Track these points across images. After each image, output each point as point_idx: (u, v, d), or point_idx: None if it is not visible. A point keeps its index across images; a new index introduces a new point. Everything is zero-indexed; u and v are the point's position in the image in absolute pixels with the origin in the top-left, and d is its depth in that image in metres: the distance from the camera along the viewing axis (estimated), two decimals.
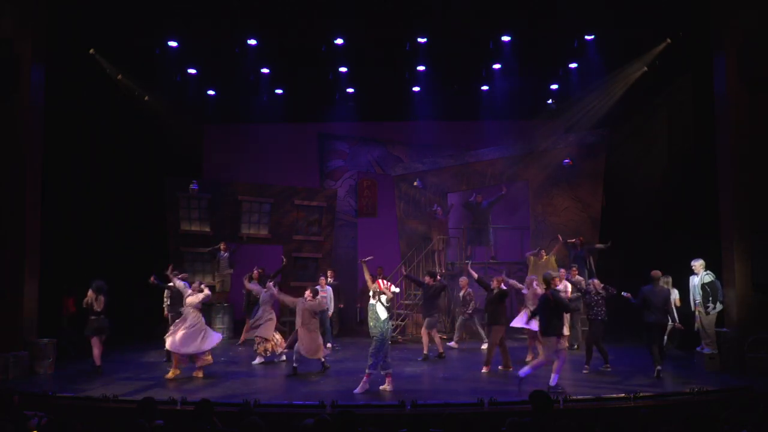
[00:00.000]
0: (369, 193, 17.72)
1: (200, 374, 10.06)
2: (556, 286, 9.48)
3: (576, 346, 12.24)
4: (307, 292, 10.65)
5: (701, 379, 9.34)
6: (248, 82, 14.16)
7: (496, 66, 13.49)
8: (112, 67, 13.16)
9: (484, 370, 10.37)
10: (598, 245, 13.20)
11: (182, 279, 10.91)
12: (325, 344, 12.59)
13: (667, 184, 14.19)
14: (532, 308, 11.39)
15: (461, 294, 12.91)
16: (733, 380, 9.29)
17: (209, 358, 10.26)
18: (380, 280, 9.18)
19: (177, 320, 10.31)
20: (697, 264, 10.49)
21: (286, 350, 11.28)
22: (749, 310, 10.09)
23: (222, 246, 14.35)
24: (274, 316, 11.49)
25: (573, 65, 13.53)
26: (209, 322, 13.59)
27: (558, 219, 14.25)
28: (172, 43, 12.41)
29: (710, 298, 10.29)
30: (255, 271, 12.37)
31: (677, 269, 11.15)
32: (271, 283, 11.66)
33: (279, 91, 15.12)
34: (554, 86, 14.69)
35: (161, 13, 11.56)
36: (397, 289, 9.48)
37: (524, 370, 9.00)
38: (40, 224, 10.89)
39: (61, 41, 11.52)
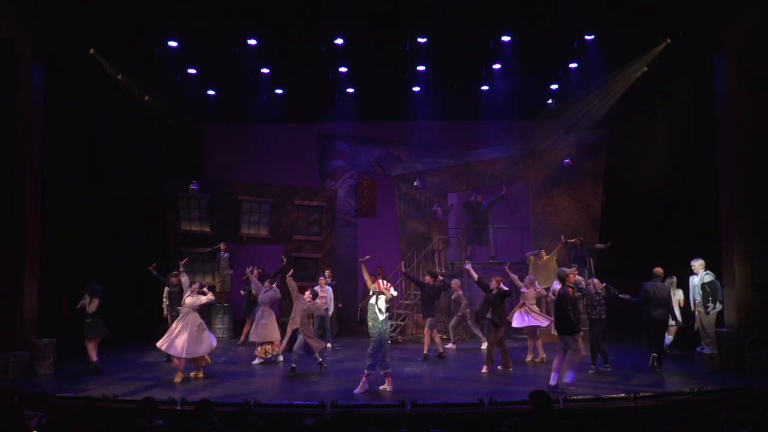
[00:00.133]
0: (369, 193, 17.72)
1: (200, 374, 10.06)
2: (572, 282, 9.36)
3: None
4: (307, 293, 10.66)
5: (701, 379, 9.34)
6: (248, 82, 14.16)
7: (496, 66, 13.49)
8: (112, 67, 13.16)
9: (484, 369, 10.37)
10: (598, 245, 13.20)
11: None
12: (325, 344, 12.64)
13: (667, 184, 14.18)
14: (531, 307, 11.47)
15: (453, 296, 12.90)
16: (733, 380, 9.29)
17: (208, 358, 10.28)
18: (380, 281, 9.17)
19: (176, 320, 10.28)
20: (697, 264, 10.49)
21: (284, 353, 11.29)
22: (749, 310, 10.09)
23: (222, 246, 14.35)
24: (273, 316, 11.49)
25: (573, 65, 13.53)
26: (209, 323, 13.62)
27: (558, 219, 14.24)
28: (172, 43, 12.41)
29: (710, 298, 10.29)
30: (255, 271, 12.38)
31: (677, 269, 11.14)
32: (274, 284, 11.65)
33: (279, 91, 15.12)
34: (554, 86, 14.69)
35: (161, 13, 11.56)
36: (396, 292, 9.47)
37: (569, 376, 8.82)
38: (40, 224, 10.90)
39: (61, 41, 11.52)
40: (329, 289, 13.37)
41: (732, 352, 10.05)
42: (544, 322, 11.63)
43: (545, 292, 12.03)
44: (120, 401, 8.13)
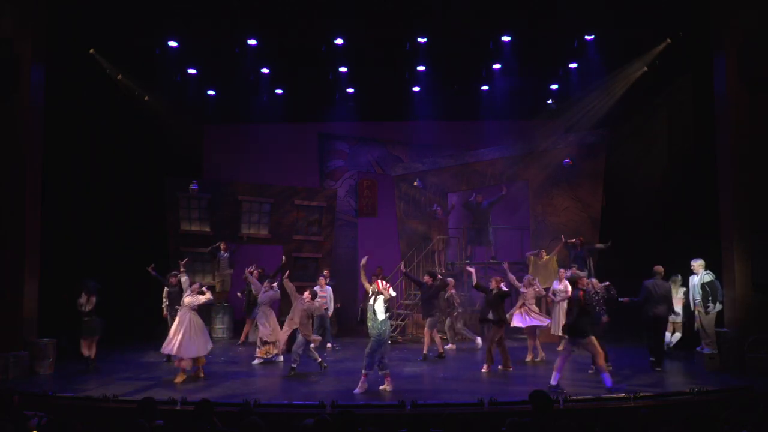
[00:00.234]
0: (369, 193, 17.72)
1: (200, 374, 10.06)
2: (584, 285, 9.28)
3: None
4: (306, 294, 10.66)
5: (701, 379, 9.34)
6: (248, 82, 14.15)
7: (496, 66, 13.48)
8: (112, 67, 13.15)
9: (484, 369, 10.37)
10: (598, 245, 13.19)
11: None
12: (324, 344, 12.64)
13: (667, 184, 14.18)
14: (531, 307, 11.46)
15: (446, 296, 12.89)
16: (733, 380, 9.28)
17: (203, 358, 10.29)
18: (378, 281, 9.16)
19: (175, 321, 10.28)
20: (697, 264, 10.49)
21: (284, 353, 11.29)
22: (749, 310, 10.09)
23: (222, 246, 14.35)
24: (274, 316, 11.49)
25: (573, 65, 13.53)
26: (209, 323, 13.64)
27: (558, 219, 14.24)
28: (172, 43, 12.40)
29: (710, 298, 10.29)
30: (255, 271, 12.37)
31: (677, 269, 11.15)
32: (274, 284, 11.64)
33: (279, 91, 15.12)
34: (554, 86, 14.68)
35: (161, 13, 11.56)
36: (394, 293, 9.47)
37: (607, 379, 8.72)
38: (40, 224, 10.90)
39: (61, 41, 11.52)
40: (329, 288, 13.36)
41: (732, 352, 10.04)
42: (544, 321, 11.63)
43: (544, 292, 12.02)
44: (120, 401, 8.13)
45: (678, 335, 11.54)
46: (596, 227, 13.90)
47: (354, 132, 17.55)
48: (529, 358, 11.43)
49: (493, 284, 10.74)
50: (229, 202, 14.89)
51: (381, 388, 9.04)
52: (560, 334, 12.36)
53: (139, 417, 5.51)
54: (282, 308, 13.08)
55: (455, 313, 12.83)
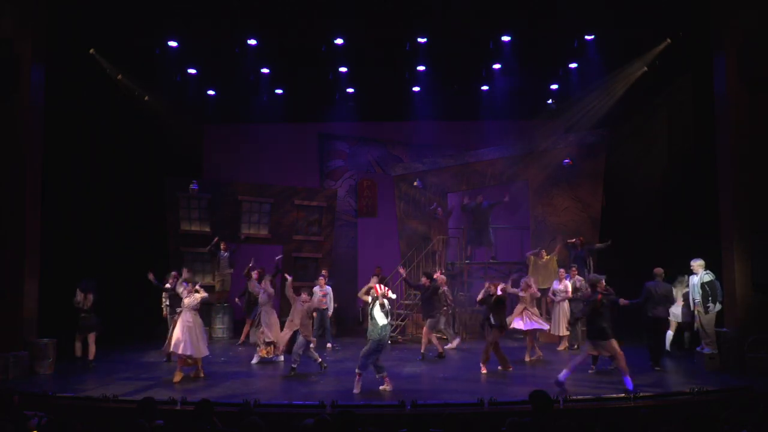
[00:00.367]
0: (369, 193, 17.73)
1: (200, 374, 10.06)
2: (603, 289, 9.22)
3: (576, 346, 12.26)
4: (304, 295, 10.66)
5: (701, 379, 9.33)
6: (248, 82, 14.15)
7: (496, 66, 13.48)
8: (112, 67, 13.15)
9: (483, 370, 10.37)
10: (598, 245, 13.20)
11: (185, 279, 10.92)
12: (324, 344, 12.64)
13: (667, 184, 14.19)
14: (531, 310, 11.45)
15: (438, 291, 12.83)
16: (733, 380, 9.28)
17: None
18: (377, 285, 9.15)
19: (179, 322, 10.27)
20: (697, 264, 10.48)
21: (284, 353, 11.29)
22: (749, 310, 10.09)
23: (222, 245, 14.35)
24: (275, 316, 11.49)
25: (573, 65, 13.53)
26: (209, 323, 13.64)
27: (558, 219, 14.24)
28: (172, 43, 12.40)
29: (710, 298, 10.29)
30: (255, 271, 12.37)
31: (677, 269, 11.14)
32: (269, 284, 11.64)
33: (279, 91, 15.12)
34: (554, 86, 14.69)
35: (161, 13, 11.56)
36: (394, 296, 9.46)
37: (629, 382, 8.68)
38: (40, 224, 10.90)
39: (61, 41, 11.51)
40: (329, 288, 13.35)
41: (732, 352, 10.04)
42: (545, 325, 11.65)
43: (539, 294, 11.99)
44: (120, 401, 8.14)
45: (688, 335, 11.51)
46: (596, 227, 13.90)
47: (354, 132, 17.55)
48: (528, 358, 11.42)
49: (492, 290, 10.71)
50: (229, 202, 14.89)
51: (381, 388, 9.05)
52: (560, 334, 12.39)
53: (139, 417, 5.51)
54: (282, 308, 13.10)
55: (443, 309, 12.79)
